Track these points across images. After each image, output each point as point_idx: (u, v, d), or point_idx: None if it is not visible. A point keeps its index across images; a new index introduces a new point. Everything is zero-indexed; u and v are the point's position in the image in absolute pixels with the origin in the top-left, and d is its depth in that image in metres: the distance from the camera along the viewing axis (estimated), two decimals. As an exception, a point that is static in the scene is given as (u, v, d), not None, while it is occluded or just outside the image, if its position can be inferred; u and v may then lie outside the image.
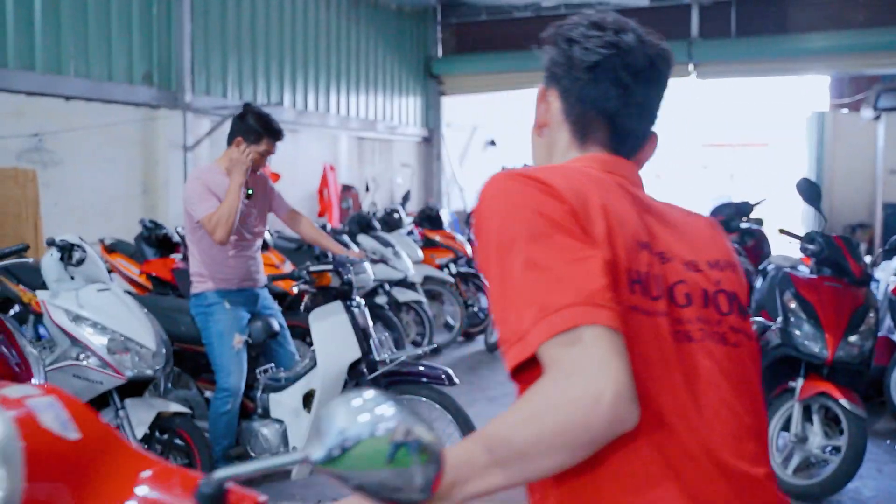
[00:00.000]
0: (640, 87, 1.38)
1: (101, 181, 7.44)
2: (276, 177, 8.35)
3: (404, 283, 6.86)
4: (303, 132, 10.35)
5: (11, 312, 4.80)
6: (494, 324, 1.23)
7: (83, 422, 1.19)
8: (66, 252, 3.61)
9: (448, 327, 7.59)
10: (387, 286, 6.59)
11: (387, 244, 6.73)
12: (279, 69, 9.91)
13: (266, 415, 4.14)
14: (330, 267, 4.12)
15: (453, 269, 7.86)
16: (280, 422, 4.11)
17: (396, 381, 3.96)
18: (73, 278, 3.69)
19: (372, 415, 0.96)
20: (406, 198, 9.82)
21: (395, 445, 0.95)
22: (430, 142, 13.79)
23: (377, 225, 7.25)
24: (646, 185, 1.43)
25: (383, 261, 6.58)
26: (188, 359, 4.30)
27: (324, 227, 6.84)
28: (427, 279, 7.33)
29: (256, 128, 4.06)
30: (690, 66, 11.97)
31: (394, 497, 0.97)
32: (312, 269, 4.12)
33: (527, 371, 1.15)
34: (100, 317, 3.60)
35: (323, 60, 10.77)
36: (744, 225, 6.98)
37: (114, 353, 3.55)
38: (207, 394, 4.31)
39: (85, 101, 7.33)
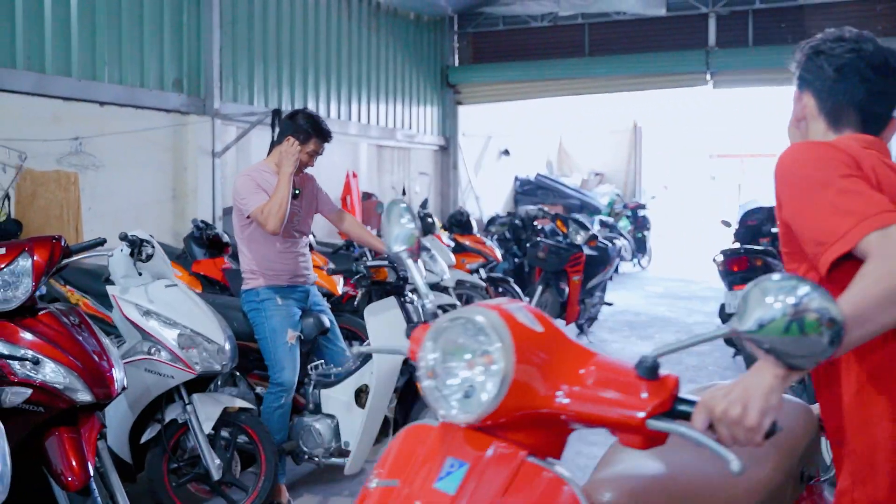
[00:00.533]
0: (880, 79, 1.85)
1: (133, 185, 7.49)
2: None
3: (438, 287, 6.90)
4: (325, 140, 10.40)
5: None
6: (807, 243, 1.70)
7: (542, 320, 1.47)
8: (136, 247, 3.65)
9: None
10: (422, 290, 6.62)
11: (423, 247, 6.77)
12: (303, 77, 9.98)
13: (318, 410, 4.18)
14: (386, 262, 4.12)
15: (483, 273, 7.91)
16: (332, 417, 4.15)
17: None
18: (140, 274, 3.72)
19: (788, 293, 1.24)
20: (424, 206, 9.86)
21: (806, 318, 1.23)
22: (447, 150, 13.86)
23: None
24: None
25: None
26: (240, 355, 4.31)
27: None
28: (459, 283, 7.37)
29: (306, 128, 4.13)
30: (707, 76, 12.06)
31: (799, 358, 1.27)
32: (370, 263, 4.14)
33: (839, 269, 1.60)
34: (169, 312, 3.63)
35: (344, 69, 10.86)
36: (775, 230, 7.01)
37: (183, 348, 3.59)
38: (259, 390, 4.34)
39: (118, 107, 7.38)
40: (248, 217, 4.09)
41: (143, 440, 3.69)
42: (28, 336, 2.92)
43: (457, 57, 13.78)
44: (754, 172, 24.98)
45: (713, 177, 26.03)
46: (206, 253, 5.26)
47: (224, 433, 3.83)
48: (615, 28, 12.66)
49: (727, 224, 7.45)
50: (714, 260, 6.51)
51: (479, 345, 1.38)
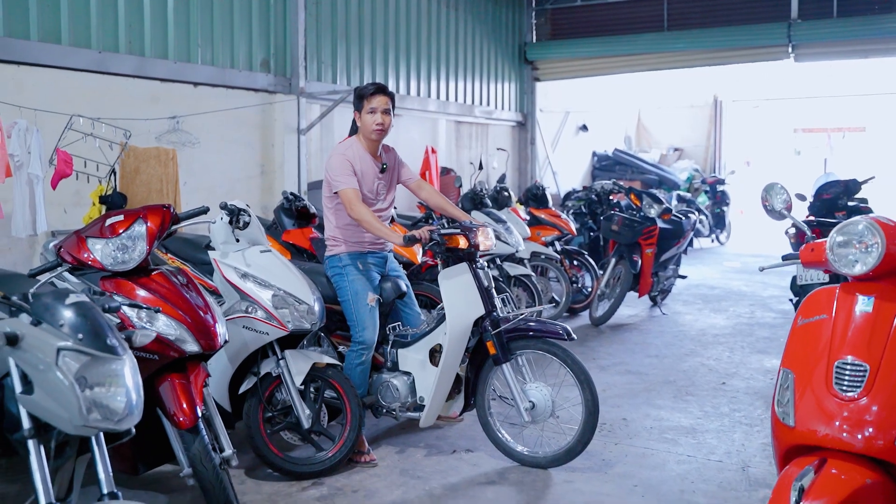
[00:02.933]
0: None
1: (224, 162, 7.91)
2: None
3: (513, 259, 7.14)
4: (405, 116, 10.69)
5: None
6: None
7: None
8: (235, 216, 4.00)
9: (553, 303, 7.83)
10: (498, 260, 6.88)
11: (499, 220, 7.01)
12: (384, 56, 10.27)
13: (395, 368, 4.50)
14: (459, 230, 4.39)
15: (558, 246, 8.11)
16: (408, 374, 4.47)
17: (516, 337, 4.25)
18: (237, 241, 4.07)
19: None
20: (501, 181, 10.06)
21: None
22: (525, 126, 14.01)
23: (489, 202, 7.55)
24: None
25: (497, 236, 6.85)
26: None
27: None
28: (534, 255, 7.60)
29: (356, 95, 4.54)
30: (790, 49, 11.90)
31: None
32: (444, 231, 4.38)
33: None
34: (264, 274, 3.98)
35: (423, 47, 11.11)
36: (851, 203, 7.00)
37: (277, 308, 3.93)
38: (341, 349, 4.68)
39: (211, 87, 7.79)
40: (335, 192, 4.43)
41: (240, 391, 4.06)
42: (143, 293, 3.29)
43: (535, 33, 13.88)
44: (841, 146, 24.34)
45: (798, 151, 25.43)
46: (294, 223, 5.61)
47: (313, 387, 4.17)
48: (695, 1, 12.58)
49: (802, 197, 7.44)
50: (786, 233, 6.55)
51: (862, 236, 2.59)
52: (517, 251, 7.00)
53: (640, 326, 7.90)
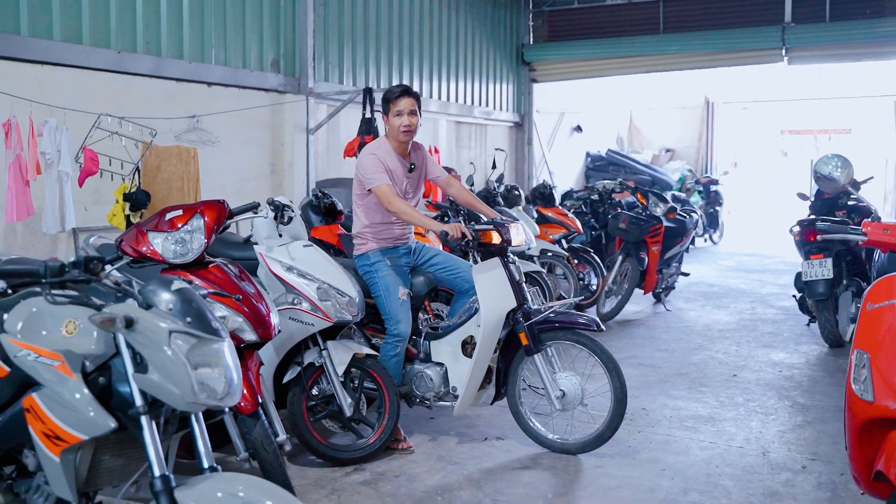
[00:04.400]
0: None
1: (236, 160, 8.03)
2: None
3: (523, 256, 7.30)
4: (407, 117, 10.84)
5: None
6: None
7: None
8: (279, 211, 4.14)
9: (561, 300, 8.00)
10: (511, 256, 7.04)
11: (511, 218, 7.16)
12: (388, 57, 10.42)
13: (428, 359, 4.66)
14: (492, 226, 4.54)
15: (564, 244, 8.29)
16: (441, 364, 4.62)
17: (546, 329, 4.42)
18: (280, 236, 4.22)
19: None
20: (500, 180, 10.24)
21: None
22: (522, 127, 14.19)
23: (500, 200, 7.72)
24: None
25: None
26: None
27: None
28: (543, 252, 7.77)
29: (383, 98, 4.68)
30: (783, 52, 12.12)
31: None
32: (478, 227, 4.55)
33: None
34: (308, 268, 4.14)
35: (426, 49, 11.26)
36: (850, 202, 7.21)
37: (322, 300, 4.08)
38: (374, 341, 4.80)
39: (224, 87, 7.91)
40: (369, 190, 4.57)
41: (284, 380, 4.20)
42: (202, 284, 3.42)
43: (532, 35, 14.05)
44: (827, 148, 24.68)
45: (785, 153, 25.76)
46: (322, 220, 5.74)
47: (353, 376, 4.32)
48: (690, 5, 12.78)
49: (804, 197, 7.66)
50: (791, 230, 6.76)
51: None
52: (528, 248, 7.17)
53: (646, 322, 8.10)
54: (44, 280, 2.19)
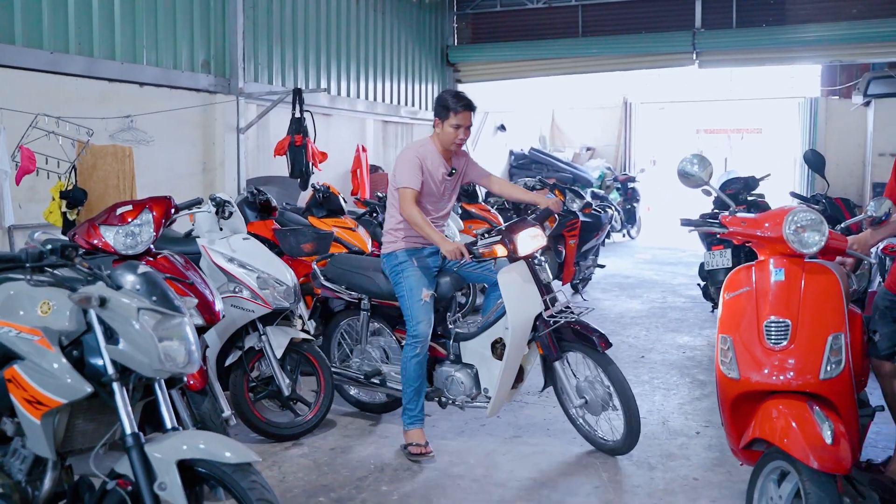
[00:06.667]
0: None
1: (169, 159, 8.22)
2: (325, 155, 9.18)
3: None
4: (335, 116, 11.15)
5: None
6: None
7: None
8: (221, 207, 4.45)
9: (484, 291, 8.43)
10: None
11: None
12: (316, 58, 10.69)
13: (458, 360, 4.62)
14: (498, 239, 4.45)
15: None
16: (471, 366, 4.58)
17: (560, 338, 4.38)
18: (220, 230, 4.52)
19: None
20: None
21: None
22: (447, 126, 14.59)
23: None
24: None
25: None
26: (384, 313, 4.87)
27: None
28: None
29: (443, 105, 4.53)
30: (694, 56, 12.82)
31: None
32: (481, 242, 4.49)
33: None
34: (248, 259, 4.46)
35: (353, 50, 11.56)
36: (750, 198, 7.82)
37: (262, 288, 4.40)
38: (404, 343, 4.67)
39: (156, 87, 8.10)
40: (398, 188, 4.55)
41: (226, 363, 4.51)
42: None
43: (456, 37, 14.47)
44: (740, 147, 25.79)
45: (700, 151, 26.76)
46: (257, 216, 6.02)
47: (290, 359, 4.66)
48: (607, 10, 13.39)
49: (707, 193, 8.24)
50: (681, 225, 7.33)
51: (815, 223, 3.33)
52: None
53: (564, 311, 8.58)
54: (26, 265, 2.50)
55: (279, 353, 4.49)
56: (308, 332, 4.78)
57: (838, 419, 3.06)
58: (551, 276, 4.49)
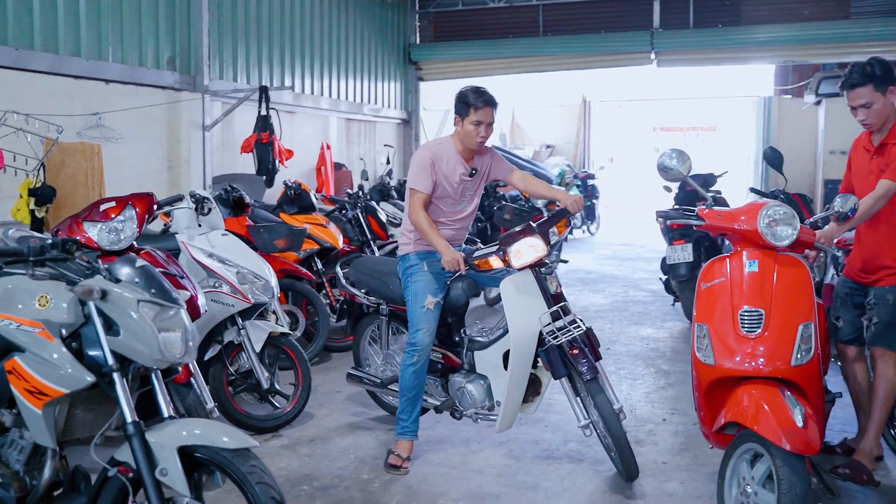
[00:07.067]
0: None
1: (135, 157, 8.21)
2: (291, 153, 9.24)
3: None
4: (299, 113, 11.19)
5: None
6: None
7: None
8: (200, 203, 4.51)
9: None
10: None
11: (403, 210, 7.66)
12: (280, 56, 10.72)
13: (472, 370, 4.38)
14: (493, 250, 4.16)
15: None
16: (484, 377, 4.33)
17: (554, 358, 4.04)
18: (199, 226, 4.59)
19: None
20: (388, 175, 10.74)
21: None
22: (409, 124, 14.72)
23: (394, 194, 8.21)
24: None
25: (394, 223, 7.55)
26: (402, 318, 4.60)
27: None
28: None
29: (463, 101, 4.31)
30: (652, 55, 13.07)
31: None
32: (477, 254, 4.20)
33: None
34: (227, 254, 4.54)
35: (317, 48, 11.61)
36: (709, 193, 8.04)
37: (241, 283, 4.48)
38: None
39: (121, 84, 8.07)
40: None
41: (206, 357, 4.58)
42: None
43: (418, 35, 14.57)
44: (695, 144, 26.29)
45: (657, 149, 27.24)
46: (230, 212, 6.08)
47: (269, 353, 4.74)
48: (567, 10, 13.60)
49: (668, 189, 8.47)
50: (657, 219, 7.53)
51: (788, 217, 3.51)
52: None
53: (529, 306, 8.75)
54: (29, 259, 2.56)
55: (258, 347, 4.57)
56: (283, 326, 4.87)
57: (808, 404, 3.24)
58: (560, 288, 4.19)
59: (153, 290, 2.63)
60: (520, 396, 4.17)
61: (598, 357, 4.08)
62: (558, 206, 4.33)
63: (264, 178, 8.80)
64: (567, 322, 4.01)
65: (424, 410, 4.43)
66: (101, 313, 2.58)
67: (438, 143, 4.46)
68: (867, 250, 4.04)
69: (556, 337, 3.99)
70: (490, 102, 4.29)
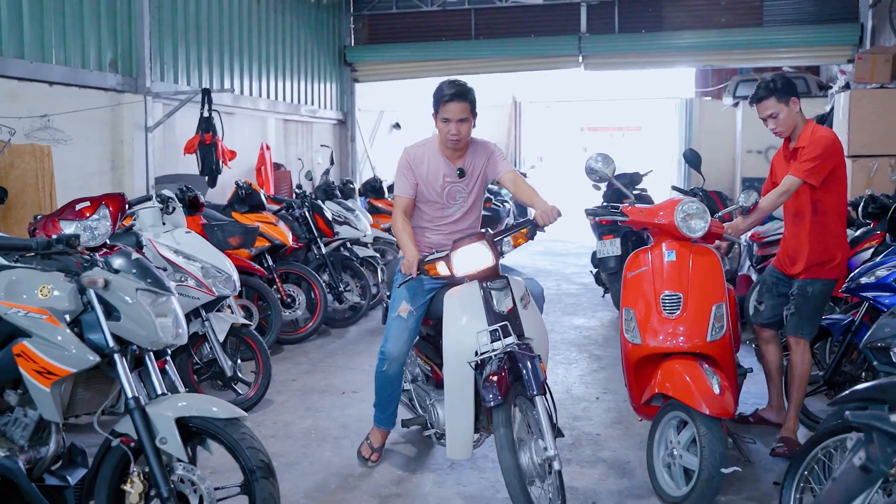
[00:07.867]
0: None
1: (79, 158, 8.30)
2: (233, 154, 9.44)
3: (360, 242, 8.15)
4: (238, 115, 11.37)
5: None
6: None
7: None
8: (166, 203, 4.77)
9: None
10: (348, 244, 7.87)
11: (349, 209, 7.99)
12: (220, 58, 10.87)
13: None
14: (442, 255, 3.75)
15: (395, 232, 9.18)
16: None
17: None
18: (163, 224, 4.85)
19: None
20: (326, 174, 11.02)
21: None
22: (345, 124, 14.99)
23: (338, 193, 8.52)
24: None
25: (347, 222, 7.86)
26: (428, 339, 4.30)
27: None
28: (376, 239, 8.64)
29: (434, 96, 4.07)
30: (580, 58, 13.61)
31: None
32: (427, 259, 3.81)
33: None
34: (192, 250, 4.81)
35: (255, 49, 11.79)
36: (635, 192, 8.57)
37: (206, 277, 4.75)
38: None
39: (65, 86, 8.17)
40: None
41: (172, 348, 4.84)
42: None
43: (353, 38, 14.82)
44: (622, 144, 27.14)
45: (585, 148, 28.05)
46: (186, 212, 6.32)
47: (231, 343, 5.02)
48: (499, 14, 14.03)
49: (597, 188, 8.97)
50: (588, 216, 8.01)
51: (700, 212, 3.98)
52: (364, 235, 8.02)
53: (468, 299, 9.16)
54: (37, 253, 2.84)
55: (221, 338, 4.86)
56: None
57: (723, 375, 3.73)
58: (516, 304, 3.69)
59: (149, 280, 2.93)
60: (464, 421, 3.64)
61: (541, 392, 3.39)
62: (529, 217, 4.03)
63: (207, 178, 8.98)
64: (507, 344, 3.49)
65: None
66: (101, 300, 2.86)
67: (421, 145, 4.22)
68: (792, 244, 4.48)
69: (486, 359, 3.51)
70: (458, 96, 3.95)
